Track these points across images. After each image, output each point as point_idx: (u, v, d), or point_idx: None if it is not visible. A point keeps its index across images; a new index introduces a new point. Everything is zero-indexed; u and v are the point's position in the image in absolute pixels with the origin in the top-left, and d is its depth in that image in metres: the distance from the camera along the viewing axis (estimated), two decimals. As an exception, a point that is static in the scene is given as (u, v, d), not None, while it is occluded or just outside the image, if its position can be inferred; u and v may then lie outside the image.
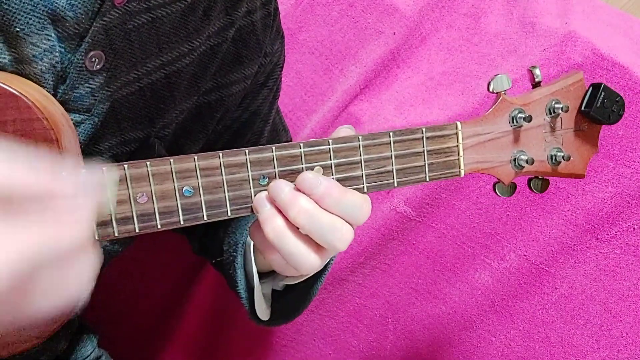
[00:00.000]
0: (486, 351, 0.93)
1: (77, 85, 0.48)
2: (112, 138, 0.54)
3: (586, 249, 0.88)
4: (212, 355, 1.00)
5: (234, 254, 0.63)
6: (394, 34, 0.92)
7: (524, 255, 0.90)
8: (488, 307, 0.92)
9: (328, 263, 0.62)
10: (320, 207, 0.48)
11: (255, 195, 0.48)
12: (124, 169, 0.44)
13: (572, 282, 0.89)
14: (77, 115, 0.49)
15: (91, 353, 0.71)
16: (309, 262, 0.48)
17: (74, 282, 0.36)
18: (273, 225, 0.47)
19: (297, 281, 0.61)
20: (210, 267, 0.95)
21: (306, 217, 0.47)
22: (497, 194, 0.57)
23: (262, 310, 0.63)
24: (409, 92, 0.93)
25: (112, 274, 0.64)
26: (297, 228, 0.48)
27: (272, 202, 0.48)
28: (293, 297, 0.64)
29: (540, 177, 0.59)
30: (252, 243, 0.61)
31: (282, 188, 0.48)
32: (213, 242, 0.72)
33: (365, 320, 0.96)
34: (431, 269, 0.93)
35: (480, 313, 0.92)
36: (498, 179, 0.57)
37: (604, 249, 0.87)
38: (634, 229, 0.86)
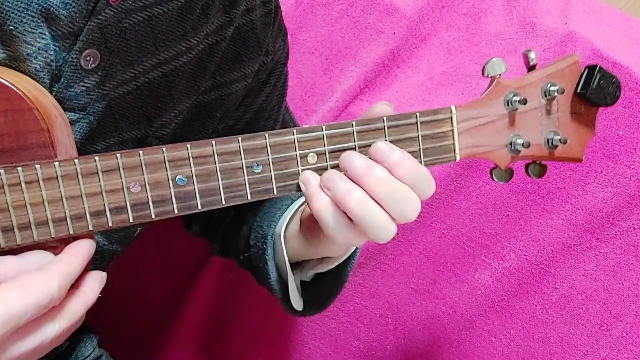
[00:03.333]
0: (486, 351, 0.93)
1: (71, 84, 0.48)
2: (110, 137, 0.54)
3: (586, 249, 0.88)
4: (212, 354, 1.00)
5: (264, 246, 0.63)
6: (394, 34, 0.92)
7: (524, 255, 0.89)
8: (488, 307, 0.92)
9: (356, 248, 0.63)
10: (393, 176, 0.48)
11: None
12: (117, 157, 0.44)
13: (572, 282, 0.89)
14: (73, 114, 0.49)
15: (91, 353, 0.70)
16: (389, 229, 0.47)
17: None
18: (355, 195, 0.46)
19: (329, 268, 0.62)
20: (211, 266, 0.95)
21: (383, 185, 0.47)
22: (494, 180, 0.57)
23: (296, 301, 0.64)
24: (409, 92, 0.93)
25: (112, 274, 0.64)
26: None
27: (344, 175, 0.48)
28: (325, 285, 0.65)
29: (537, 161, 0.58)
30: (281, 234, 0.61)
31: (355, 157, 0.48)
32: (237, 239, 0.72)
33: (365, 320, 0.96)
34: (431, 269, 0.93)
35: (480, 313, 0.92)
36: (495, 164, 0.56)
37: (604, 249, 0.87)
38: (634, 229, 0.86)
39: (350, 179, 0.48)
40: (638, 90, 0.83)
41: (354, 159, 0.48)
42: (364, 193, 0.47)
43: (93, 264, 0.48)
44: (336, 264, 0.62)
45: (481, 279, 0.91)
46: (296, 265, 0.65)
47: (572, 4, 0.90)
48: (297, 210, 0.64)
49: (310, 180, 0.49)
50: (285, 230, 0.62)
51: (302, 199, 0.65)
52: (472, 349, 0.93)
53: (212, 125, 0.65)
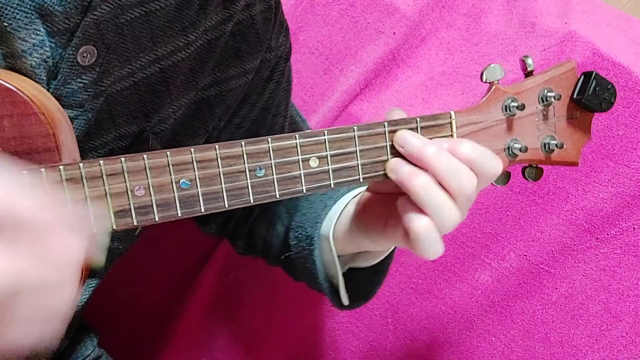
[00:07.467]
0: (486, 351, 0.93)
1: (69, 81, 0.48)
2: (107, 133, 0.54)
3: (586, 249, 0.88)
4: (212, 355, 1.00)
5: (310, 247, 0.65)
6: (394, 34, 0.92)
7: (524, 255, 0.89)
8: (488, 307, 0.92)
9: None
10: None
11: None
12: (121, 161, 0.44)
13: (572, 282, 0.89)
14: (71, 110, 0.49)
15: (91, 353, 0.71)
16: (454, 213, 0.49)
17: (50, 316, 0.36)
18: (421, 180, 0.49)
19: (368, 264, 0.64)
20: (211, 267, 0.95)
21: (438, 158, 0.49)
22: (492, 183, 0.58)
23: (344, 296, 0.66)
24: (409, 92, 0.93)
25: (112, 274, 0.64)
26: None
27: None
28: (364, 278, 0.67)
29: (534, 165, 0.60)
30: (330, 235, 0.63)
31: (410, 135, 0.51)
32: (270, 239, 0.73)
33: (365, 320, 0.96)
34: (431, 269, 0.93)
35: (480, 313, 0.92)
36: None
37: (604, 249, 0.87)
38: (634, 229, 0.86)
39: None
40: (638, 90, 0.83)
41: (408, 137, 0.51)
42: (430, 178, 0.49)
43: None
44: (378, 259, 0.64)
45: (481, 279, 0.91)
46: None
47: (572, 4, 0.90)
48: (342, 212, 0.65)
49: (400, 164, 0.51)
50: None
51: (346, 200, 0.66)
52: (472, 349, 0.93)
53: (213, 122, 0.65)
